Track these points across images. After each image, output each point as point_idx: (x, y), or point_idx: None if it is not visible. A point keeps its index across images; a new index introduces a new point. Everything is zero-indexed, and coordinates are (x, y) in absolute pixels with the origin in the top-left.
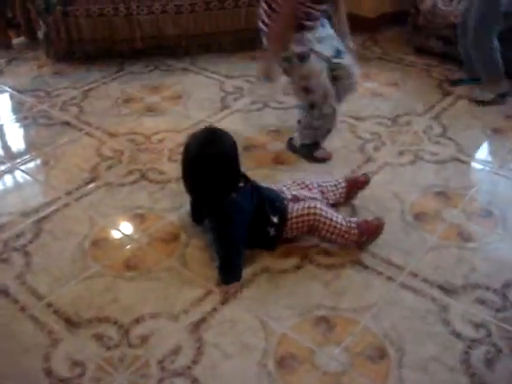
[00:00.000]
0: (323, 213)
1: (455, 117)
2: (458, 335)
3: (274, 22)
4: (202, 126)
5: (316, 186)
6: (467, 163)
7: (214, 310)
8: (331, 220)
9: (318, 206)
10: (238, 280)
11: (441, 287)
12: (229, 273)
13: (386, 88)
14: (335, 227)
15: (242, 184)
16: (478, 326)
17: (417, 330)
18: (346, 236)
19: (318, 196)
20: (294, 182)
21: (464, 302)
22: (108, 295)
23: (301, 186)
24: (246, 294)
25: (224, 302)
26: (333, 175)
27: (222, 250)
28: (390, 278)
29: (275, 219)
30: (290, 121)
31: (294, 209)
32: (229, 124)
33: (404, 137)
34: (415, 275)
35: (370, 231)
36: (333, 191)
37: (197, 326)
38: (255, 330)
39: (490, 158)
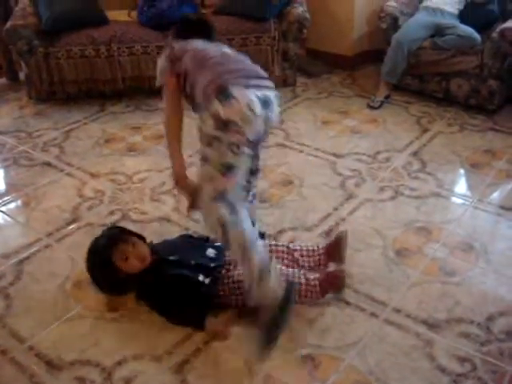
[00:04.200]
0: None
1: (434, 152)
2: (443, 370)
3: None
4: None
5: (285, 249)
6: (447, 198)
7: (198, 350)
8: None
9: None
10: (203, 318)
11: (425, 322)
12: (192, 322)
13: (365, 125)
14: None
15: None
16: (462, 360)
17: (402, 365)
18: (309, 295)
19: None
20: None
21: (448, 337)
22: (90, 337)
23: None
24: None
25: (222, 340)
26: (315, 212)
27: (167, 315)
28: (373, 315)
29: (202, 278)
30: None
31: (230, 274)
32: None
33: (384, 173)
34: (399, 311)
35: (332, 285)
36: (309, 256)
37: (180, 366)
38: (239, 371)
39: (469, 193)
